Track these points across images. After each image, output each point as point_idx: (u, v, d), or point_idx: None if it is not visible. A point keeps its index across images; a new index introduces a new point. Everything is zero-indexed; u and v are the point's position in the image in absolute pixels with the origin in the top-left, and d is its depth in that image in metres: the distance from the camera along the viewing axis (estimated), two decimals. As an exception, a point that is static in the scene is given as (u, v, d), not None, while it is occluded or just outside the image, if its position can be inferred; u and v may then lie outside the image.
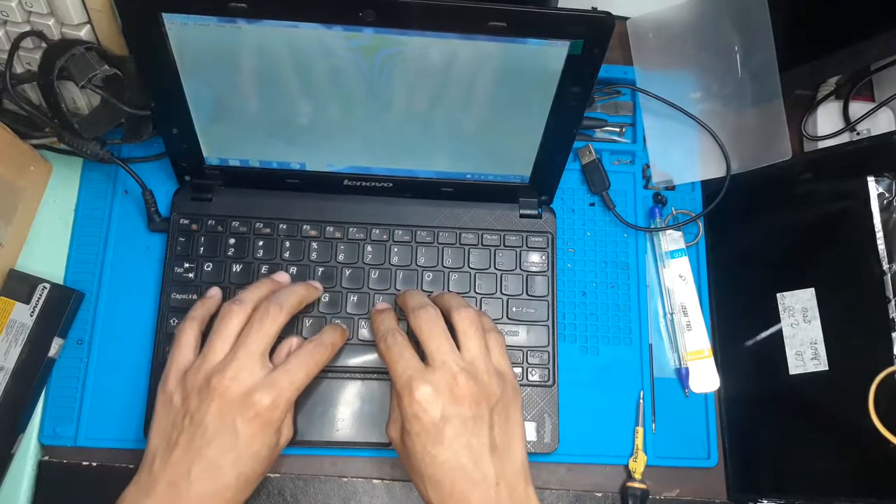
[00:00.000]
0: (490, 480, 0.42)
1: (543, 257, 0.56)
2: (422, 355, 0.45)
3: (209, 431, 0.42)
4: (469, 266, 0.55)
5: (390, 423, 0.47)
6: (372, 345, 0.52)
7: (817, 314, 0.50)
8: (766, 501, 0.53)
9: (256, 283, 0.49)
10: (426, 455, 0.42)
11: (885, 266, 0.46)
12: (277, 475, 0.52)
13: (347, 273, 0.54)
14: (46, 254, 0.54)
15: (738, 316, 0.57)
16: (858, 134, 0.62)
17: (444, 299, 0.49)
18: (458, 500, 0.42)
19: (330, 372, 0.52)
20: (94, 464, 0.51)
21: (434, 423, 0.42)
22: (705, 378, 0.56)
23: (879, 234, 0.46)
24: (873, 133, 0.61)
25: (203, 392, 0.42)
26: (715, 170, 0.60)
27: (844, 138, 0.62)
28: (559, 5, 0.46)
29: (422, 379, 0.43)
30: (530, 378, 0.54)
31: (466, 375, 0.43)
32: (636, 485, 0.53)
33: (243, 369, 0.43)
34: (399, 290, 0.54)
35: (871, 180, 0.47)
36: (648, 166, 0.61)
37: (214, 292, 0.51)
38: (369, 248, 0.55)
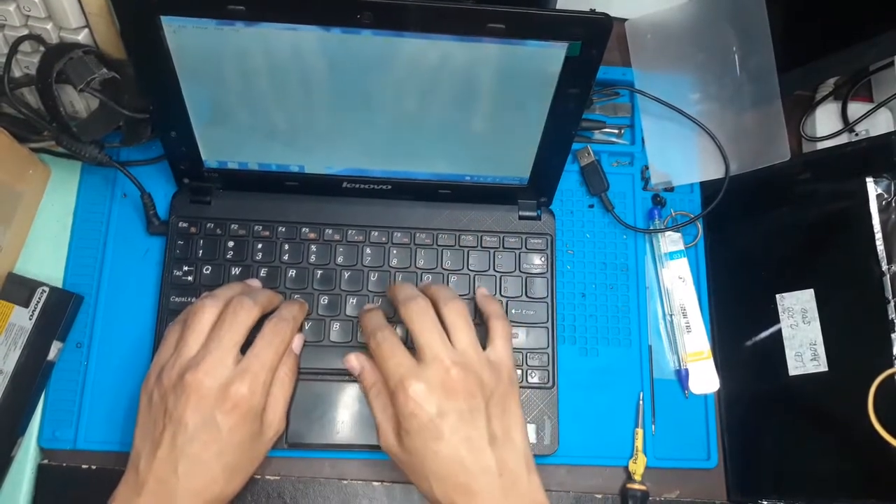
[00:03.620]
0: (492, 472, 0.42)
1: (543, 259, 0.56)
2: (411, 349, 0.45)
3: (190, 428, 0.42)
4: (468, 268, 0.55)
5: (380, 431, 0.46)
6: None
7: (817, 315, 0.50)
8: (765, 502, 0.53)
9: (228, 284, 0.50)
10: (427, 452, 0.42)
11: (885, 267, 0.46)
12: (277, 478, 0.52)
13: (346, 275, 0.54)
14: (45, 257, 0.54)
15: (738, 317, 0.57)
16: (857, 135, 0.62)
17: (431, 291, 0.49)
18: (463, 494, 0.42)
19: (329, 375, 0.52)
20: (94, 467, 0.51)
21: (431, 419, 0.42)
22: (705, 379, 0.56)
23: (878, 235, 0.46)
24: (872, 134, 0.61)
25: (178, 388, 0.42)
26: (714, 171, 0.60)
27: (843, 139, 0.62)
28: (557, 7, 0.46)
29: (414, 376, 0.43)
30: (530, 380, 0.54)
31: (459, 368, 0.43)
32: (636, 486, 0.53)
33: (216, 363, 0.43)
34: (398, 293, 0.54)
35: (869, 181, 0.47)
36: (647, 168, 0.61)
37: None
38: (368, 250, 0.55)
